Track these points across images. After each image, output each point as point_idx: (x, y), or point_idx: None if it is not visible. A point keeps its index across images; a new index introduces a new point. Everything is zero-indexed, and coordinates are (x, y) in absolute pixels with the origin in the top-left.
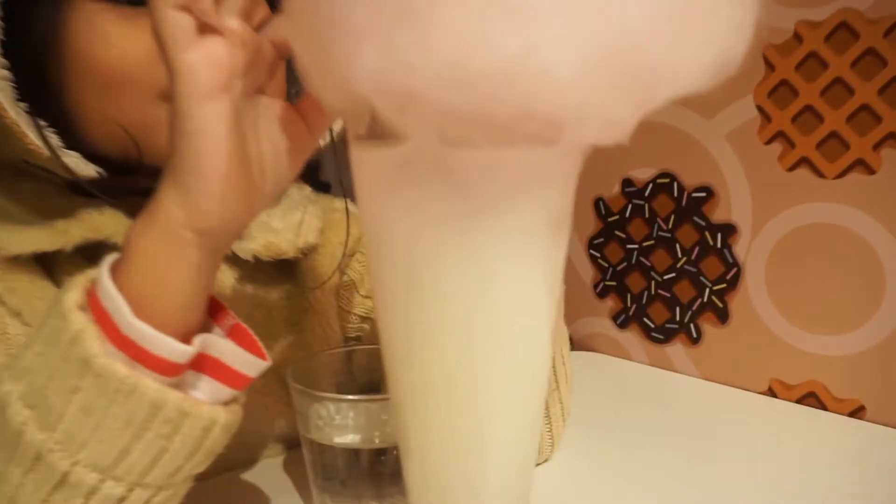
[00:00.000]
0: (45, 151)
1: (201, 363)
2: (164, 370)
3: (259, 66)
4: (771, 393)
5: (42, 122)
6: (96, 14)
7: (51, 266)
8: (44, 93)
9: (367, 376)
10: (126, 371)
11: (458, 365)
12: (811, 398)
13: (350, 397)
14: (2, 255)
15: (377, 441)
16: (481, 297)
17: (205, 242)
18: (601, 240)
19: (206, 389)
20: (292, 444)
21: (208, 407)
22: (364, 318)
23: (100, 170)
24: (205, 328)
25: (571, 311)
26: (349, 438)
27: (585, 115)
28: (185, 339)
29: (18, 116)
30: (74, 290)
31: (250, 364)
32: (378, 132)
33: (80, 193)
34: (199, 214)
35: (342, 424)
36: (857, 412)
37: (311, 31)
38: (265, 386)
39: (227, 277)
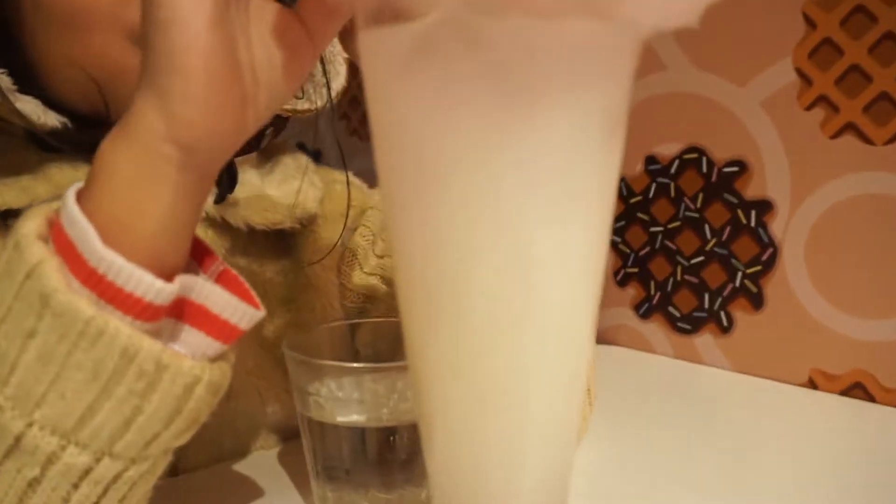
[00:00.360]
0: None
1: (183, 310)
2: (138, 312)
3: None
4: (812, 385)
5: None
6: None
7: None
8: (5, 42)
9: (371, 352)
10: (92, 310)
11: (496, 306)
12: (857, 389)
13: (356, 365)
14: None
15: (386, 419)
16: (520, 213)
17: (188, 159)
18: (622, 223)
19: (189, 342)
20: (288, 436)
21: (190, 361)
22: (367, 297)
23: (63, 119)
24: (188, 272)
25: None
26: (354, 417)
27: None
28: (165, 278)
29: None
30: (34, 219)
31: (241, 312)
32: (390, 18)
33: (42, 147)
34: (181, 122)
35: (346, 399)
36: None
37: None
38: (258, 367)
39: (216, 247)
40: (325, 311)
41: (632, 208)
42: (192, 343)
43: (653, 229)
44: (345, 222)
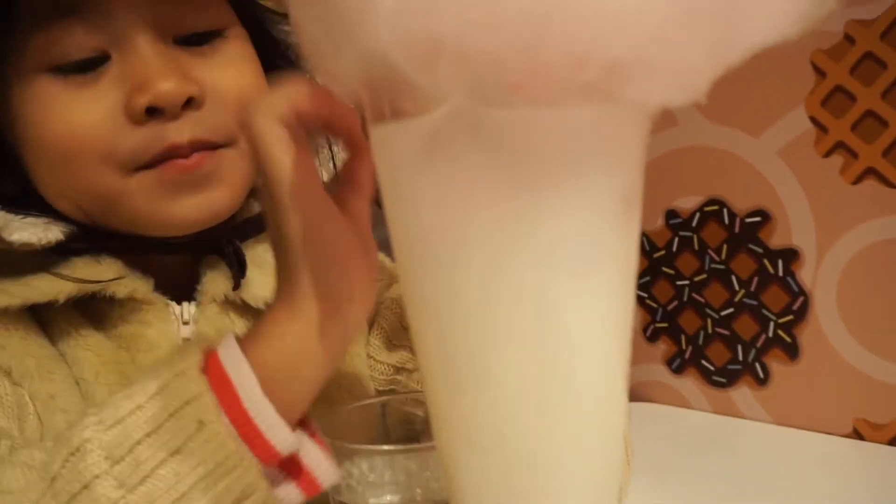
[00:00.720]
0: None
1: (290, 465)
2: (266, 457)
3: None
4: (857, 435)
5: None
6: (44, 86)
7: (44, 320)
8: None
9: (403, 430)
10: (236, 445)
11: (519, 385)
12: None
13: (386, 447)
14: None
15: (419, 499)
16: (541, 292)
17: (334, 339)
18: (647, 278)
19: (285, 493)
20: None
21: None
22: (398, 369)
23: (68, 229)
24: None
25: None
26: (387, 499)
27: (652, 61)
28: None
29: None
30: (196, 354)
31: (327, 473)
32: (399, 114)
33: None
34: (346, 298)
35: (378, 482)
36: None
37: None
38: None
39: (238, 327)
40: (353, 386)
41: (656, 263)
42: (286, 494)
43: (679, 283)
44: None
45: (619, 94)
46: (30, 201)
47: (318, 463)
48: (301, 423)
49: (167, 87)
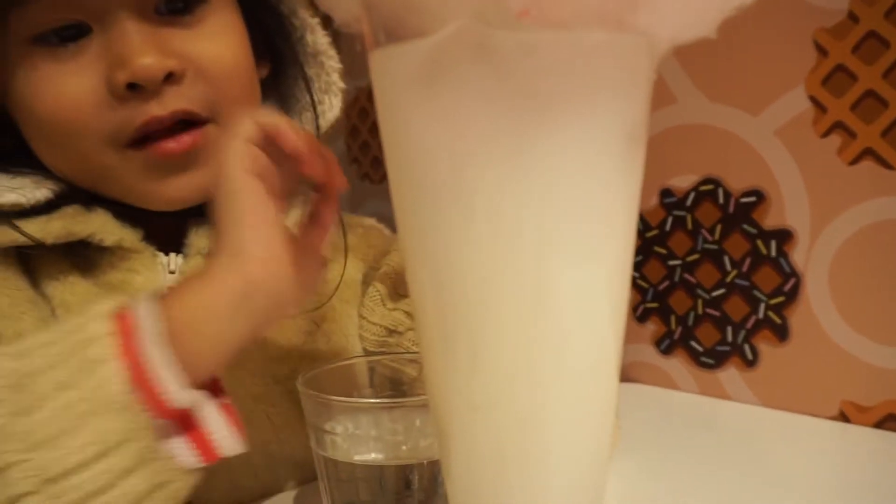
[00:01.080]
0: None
1: (185, 423)
2: (158, 410)
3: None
4: (843, 418)
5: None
6: (27, 58)
7: (33, 265)
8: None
9: (390, 389)
10: (122, 386)
11: (514, 337)
12: (891, 421)
13: (372, 401)
14: None
15: (404, 457)
16: (540, 232)
17: (253, 292)
18: (639, 258)
19: (177, 450)
20: (308, 474)
21: (175, 463)
22: (390, 331)
23: (55, 187)
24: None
25: None
26: (371, 456)
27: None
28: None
29: None
30: (108, 302)
31: (227, 440)
32: (401, 35)
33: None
34: (250, 259)
35: (363, 437)
36: None
37: None
38: (266, 395)
39: None
40: (344, 345)
41: (649, 242)
42: (178, 451)
43: (671, 263)
44: (341, 271)
45: (628, 21)
46: (23, 156)
47: (218, 428)
48: (212, 388)
49: (146, 62)
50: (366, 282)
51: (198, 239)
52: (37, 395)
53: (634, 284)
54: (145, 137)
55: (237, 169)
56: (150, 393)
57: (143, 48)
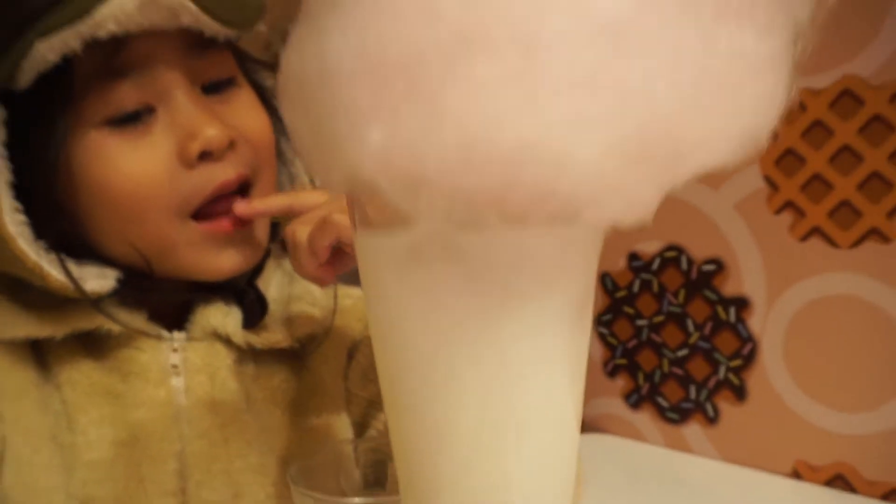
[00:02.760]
0: (71, 287)
1: None
2: None
3: None
4: (796, 475)
5: (64, 256)
6: (100, 140)
7: (43, 347)
8: (61, 223)
9: (375, 472)
10: None
11: (477, 465)
12: (840, 480)
13: (357, 500)
14: None
15: None
16: (501, 392)
17: None
18: (609, 316)
19: None
20: None
21: None
22: (371, 402)
23: (119, 276)
24: None
25: None
26: None
27: (606, 196)
28: None
29: (39, 257)
30: None
31: None
32: (384, 218)
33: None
34: None
35: None
36: (890, 495)
37: (311, 108)
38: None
39: (223, 358)
40: (332, 417)
41: (618, 302)
42: None
43: (639, 322)
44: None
45: (575, 220)
46: (76, 246)
47: None
48: None
49: (214, 133)
50: (350, 355)
51: (202, 317)
52: None
53: (605, 341)
54: (210, 207)
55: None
56: None
57: (209, 120)
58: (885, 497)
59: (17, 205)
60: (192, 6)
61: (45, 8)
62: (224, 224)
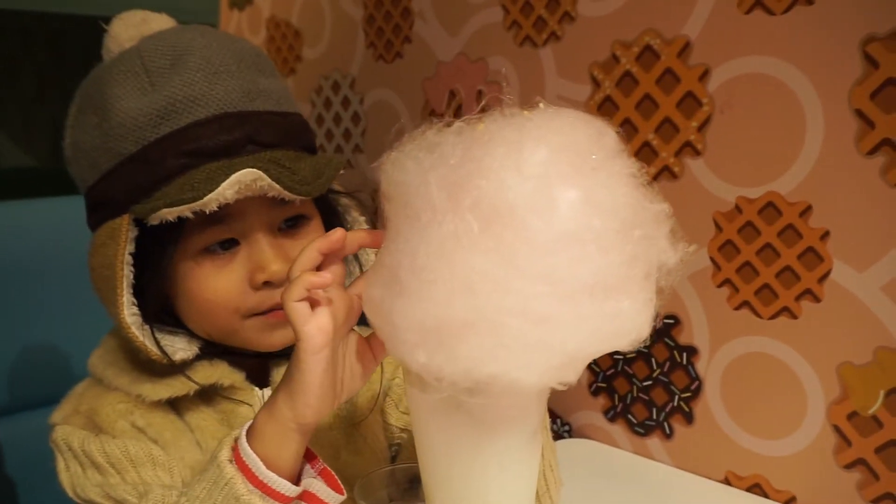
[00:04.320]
0: (164, 360)
1: (303, 495)
2: (282, 501)
3: (351, 314)
4: (727, 482)
5: (160, 337)
6: (198, 263)
7: (175, 403)
8: (162, 313)
9: (409, 485)
10: (261, 502)
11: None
12: (756, 488)
13: None
14: (146, 401)
15: None
16: (488, 478)
17: (301, 428)
18: None
19: None
20: None
21: None
22: (403, 430)
23: (201, 345)
24: (303, 469)
25: (572, 405)
26: None
27: (544, 386)
28: (294, 478)
29: (144, 338)
30: (226, 449)
31: (333, 497)
32: (424, 385)
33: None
34: (301, 415)
35: None
36: (790, 501)
37: (384, 329)
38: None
39: None
40: (373, 441)
41: None
42: None
43: (616, 356)
44: (381, 380)
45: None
46: (173, 320)
47: (324, 491)
48: (312, 460)
49: (276, 268)
50: (385, 393)
51: (278, 376)
52: None
53: (589, 368)
54: (265, 311)
55: (307, 349)
56: (275, 496)
57: (274, 258)
58: (787, 502)
59: (133, 300)
60: (277, 186)
61: (182, 172)
62: (278, 314)
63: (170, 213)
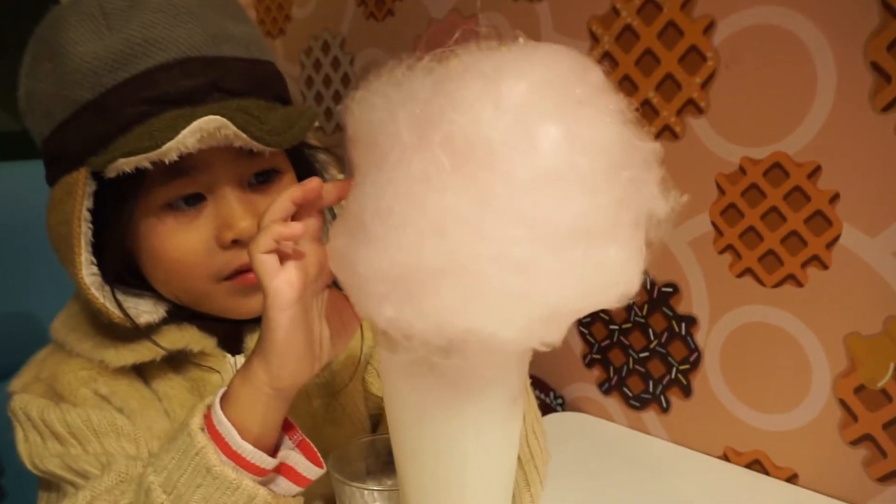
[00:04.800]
0: (127, 323)
1: (280, 468)
2: (257, 473)
3: (324, 271)
4: (725, 458)
5: (122, 298)
6: (160, 219)
7: (141, 369)
8: (124, 272)
9: (389, 457)
10: (234, 475)
11: (446, 477)
12: (756, 465)
13: (377, 488)
14: (110, 367)
15: None
16: (465, 448)
17: (279, 394)
18: (588, 319)
19: (282, 486)
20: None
21: (285, 498)
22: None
23: (168, 308)
24: (283, 443)
25: (565, 377)
26: None
27: (524, 344)
28: (271, 450)
29: (105, 299)
30: (197, 416)
31: (312, 471)
32: (394, 345)
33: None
34: (277, 378)
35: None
36: (792, 478)
37: (349, 279)
38: None
39: None
40: (354, 412)
41: None
42: (284, 486)
43: (611, 327)
44: (360, 355)
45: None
46: (137, 281)
47: (303, 464)
48: (290, 431)
49: (246, 224)
50: (367, 361)
51: (252, 343)
52: (183, 496)
53: (584, 338)
54: (235, 272)
55: (275, 305)
56: (250, 467)
57: (243, 214)
58: (788, 479)
59: (93, 258)
60: (244, 135)
61: (141, 120)
62: (249, 277)
63: (127, 164)
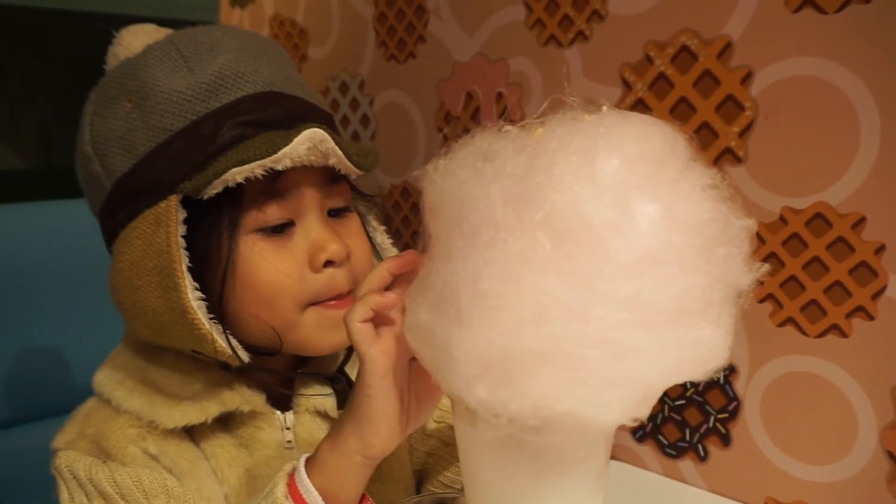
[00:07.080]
0: (228, 351)
1: None
2: None
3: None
4: None
5: (226, 330)
6: (257, 244)
7: (190, 428)
8: (220, 304)
9: None
10: None
11: None
12: None
13: None
14: (160, 428)
15: None
16: None
17: (368, 462)
18: None
19: None
20: None
21: None
22: (429, 454)
23: (250, 356)
24: None
25: None
26: None
27: (620, 423)
28: None
29: (211, 328)
30: (282, 484)
31: None
32: (475, 420)
33: (224, 368)
34: (370, 446)
35: None
36: None
37: (433, 357)
38: None
39: (323, 430)
40: (399, 469)
41: None
42: None
43: None
44: None
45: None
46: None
47: None
48: (363, 500)
49: (337, 247)
50: None
51: (307, 400)
52: None
53: None
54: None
55: (373, 373)
56: None
57: (334, 238)
58: None
59: (196, 284)
60: (339, 151)
61: (237, 142)
62: (340, 304)
63: (239, 174)
